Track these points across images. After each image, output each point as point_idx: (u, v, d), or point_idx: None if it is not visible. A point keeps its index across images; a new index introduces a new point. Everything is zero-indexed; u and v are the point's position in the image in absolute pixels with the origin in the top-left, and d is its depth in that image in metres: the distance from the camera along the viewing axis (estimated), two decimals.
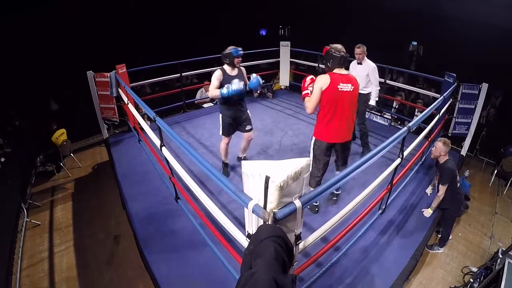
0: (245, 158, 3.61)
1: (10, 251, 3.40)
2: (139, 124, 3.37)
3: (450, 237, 3.61)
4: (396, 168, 2.30)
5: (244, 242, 1.49)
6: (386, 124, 4.86)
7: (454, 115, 3.97)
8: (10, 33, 5.88)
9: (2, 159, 4.39)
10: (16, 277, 3.27)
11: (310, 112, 2.46)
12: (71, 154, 5.53)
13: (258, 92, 5.97)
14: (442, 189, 2.87)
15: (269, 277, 0.70)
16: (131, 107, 3.49)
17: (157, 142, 2.45)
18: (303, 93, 2.47)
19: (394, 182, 2.47)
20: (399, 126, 4.92)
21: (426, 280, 3.23)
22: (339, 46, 2.38)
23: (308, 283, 1.90)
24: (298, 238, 1.39)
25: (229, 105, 3.03)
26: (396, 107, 5.93)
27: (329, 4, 8.54)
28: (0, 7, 5.54)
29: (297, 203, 1.24)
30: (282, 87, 6.43)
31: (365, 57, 3.63)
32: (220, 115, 3.13)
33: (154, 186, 3.24)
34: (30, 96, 6.37)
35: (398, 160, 2.29)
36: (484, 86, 3.67)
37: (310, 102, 2.41)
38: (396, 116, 5.26)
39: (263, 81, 5.90)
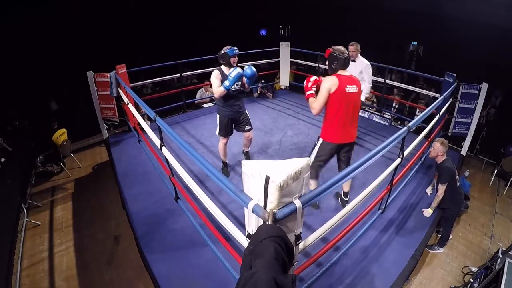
0: (248, 153, 3.68)
1: (10, 251, 3.40)
2: (139, 124, 3.36)
3: (450, 237, 3.61)
4: (396, 168, 2.30)
5: (244, 242, 1.48)
6: (386, 124, 4.86)
7: (454, 115, 3.97)
8: (10, 33, 5.88)
9: (2, 159, 4.39)
10: (16, 277, 3.27)
11: (316, 113, 2.45)
12: (71, 154, 5.53)
13: (258, 92, 5.98)
14: (442, 188, 2.87)
15: (269, 277, 0.70)
16: (131, 107, 3.49)
17: (157, 142, 2.45)
18: (308, 93, 2.47)
19: (394, 182, 2.46)
20: (399, 126, 4.92)
21: (426, 280, 3.23)
22: (342, 48, 2.42)
23: (308, 283, 1.90)
24: (298, 238, 1.39)
25: (227, 105, 3.05)
26: (396, 106, 5.93)
27: (329, 4, 8.54)
28: (0, 7, 5.54)
29: (297, 203, 1.24)
30: (282, 87, 6.43)
31: (359, 55, 3.65)
32: (218, 115, 3.15)
33: (154, 186, 3.24)
34: (30, 96, 6.38)
35: (398, 160, 2.29)
36: (484, 86, 3.67)
37: (317, 103, 2.40)
38: (396, 116, 5.26)
39: (263, 81, 5.97)
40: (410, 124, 2.24)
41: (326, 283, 2.12)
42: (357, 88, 2.41)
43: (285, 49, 5.88)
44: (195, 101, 5.83)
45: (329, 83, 2.34)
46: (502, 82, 5.67)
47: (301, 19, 9.60)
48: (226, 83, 2.84)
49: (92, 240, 3.89)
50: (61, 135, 5.16)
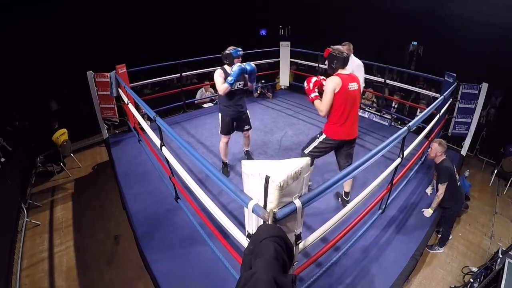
0: (249, 152, 3.70)
1: (10, 251, 3.40)
2: (139, 124, 3.37)
3: (450, 237, 3.61)
4: (396, 168, 2.30)
5: (244, 242, 1.48)
6: (386, 124, 4.86)
7: (454, 115, 3.97)
8: (10, 33, 5.88)
9: (2, 159, 4.39)
10: (16, 277, 3.27)
11: (324, 115, 2.49)
12: (71, 154, 5.53)
13: (258, 92, 5.98)
14: (441, 188, 2.88)
15: (269, 277, 0.70)
16: (131, 107, 3.49)
17: (157, 142, 2.45)
18: (312, 96, 2.50)
19: (394, 181, 2.46)
20: (399, 126, 4.91)
21: (426, 280, 3.23)
22: (340, 47, 2.47)
23: (308, 283, 1.90)
24: (298, 238, 1.39)
25: (229, 104, 3.08)
26: (396, 106, 5.93)
27: (329, 4, 8.55)
28: (0, 7, 5.54)
29: (297, 203, 1.24)
30: (282, 87, 6.43)
31: (352, 55, 3.65)
32: (220, 114, 3.17)
33: (154, 186, 3.24)
34: (30, 96, 6.38)
35: (398, 160, 2.29)
36: (484, 86, 3.67)
37: (324, 105, 2.43)
38: (396, 116, 5.27)
39: (263, 81, 5.97)
40: (410, 124, 2.24)
41: (326, 283, 2.12)
42: (358, 85, 2.47)
43: (285, 49, 5.88)
44: (195, 101, 5.82)
45: (333, 84, 2.37)
46: (502, 82, 5.68)
47: (301, 19, 9.61)
48: (229, 78, 2.85)
49: (92, 240, 3.89)
50: (61, 135, 5.16)
